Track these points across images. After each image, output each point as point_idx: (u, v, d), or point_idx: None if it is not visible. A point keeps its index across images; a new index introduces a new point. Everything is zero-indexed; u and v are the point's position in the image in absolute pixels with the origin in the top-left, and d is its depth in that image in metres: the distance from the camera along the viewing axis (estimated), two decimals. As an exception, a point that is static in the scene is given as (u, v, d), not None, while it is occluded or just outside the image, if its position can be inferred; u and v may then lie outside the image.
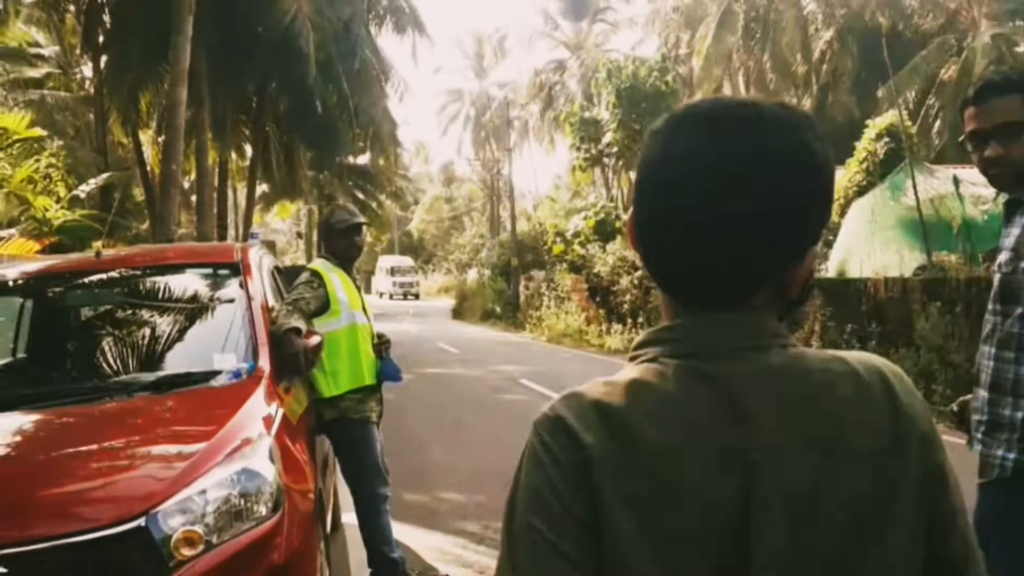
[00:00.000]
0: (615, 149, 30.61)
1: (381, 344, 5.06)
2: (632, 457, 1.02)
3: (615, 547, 1.01)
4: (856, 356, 1.13)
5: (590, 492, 1.02)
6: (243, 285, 4.67)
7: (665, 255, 1.11)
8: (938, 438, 1.11)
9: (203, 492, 3.17)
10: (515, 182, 53.45)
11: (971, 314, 11.14)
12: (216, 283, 5.00)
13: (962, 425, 2.86)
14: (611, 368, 9.31)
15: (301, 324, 4.38)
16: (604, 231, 26.69)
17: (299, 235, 52.01)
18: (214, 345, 4.31)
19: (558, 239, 28.78)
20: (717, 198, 1.04)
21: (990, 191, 13.18)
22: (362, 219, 5.22)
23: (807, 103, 36.06)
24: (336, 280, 4.83)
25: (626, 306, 21.47)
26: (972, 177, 15.32)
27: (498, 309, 36.15)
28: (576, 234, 27.83)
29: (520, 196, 56.26)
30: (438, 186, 64.22)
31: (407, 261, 59.25)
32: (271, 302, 4.81)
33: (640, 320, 20.83)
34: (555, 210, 40.24)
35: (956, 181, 13.12)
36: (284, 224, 59.33)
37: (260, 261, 5.14)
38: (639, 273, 21.22)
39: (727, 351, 1.07)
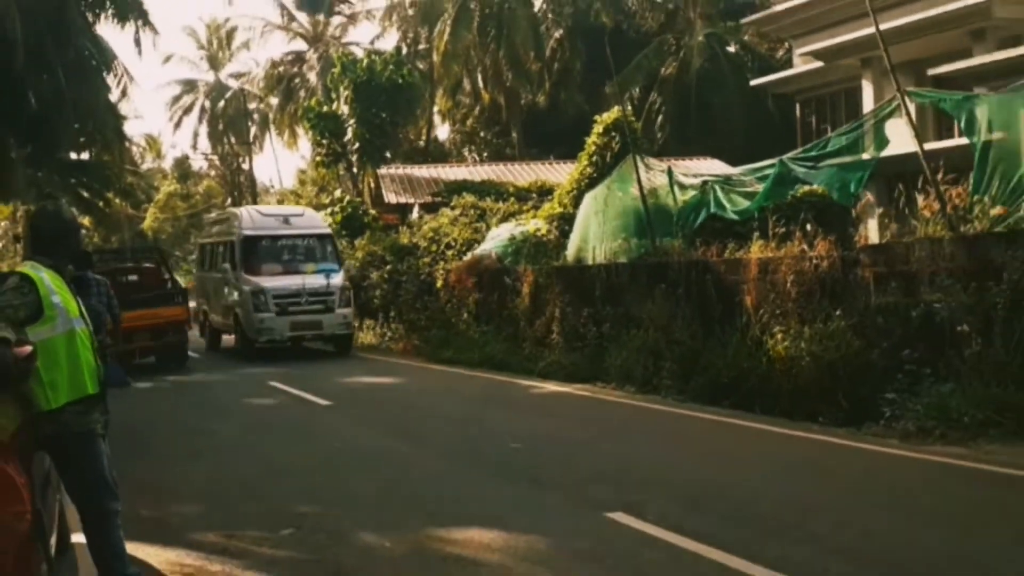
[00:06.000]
0: (356, 145, 30.44)
1: (103, 348, 4.97)
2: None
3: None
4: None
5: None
6: None
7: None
8: None
9: None
10: (257, 177, 51.92)
11: (692, 295, 12.07)
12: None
13: None
14: (364, 365, 9.50)
15: (9, 334, 4.17)
16: (352, 226, 26.48)
17: (16, 239, 47.49)
18: None
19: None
20: None
21: (696, 181, 14.31)
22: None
23: (541, 99, 37.60)
24: (49, 284, 4.56)
25: (377, 300, 21.43)
26: (682, 168, 16.66)
27: (245, 310, 34.86)
28: (323, 230, 27.37)
29: (263, 192, 54.62)
30: (173, 182, 60.71)
31: (306, 219, 21.43)
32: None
33: (392, 314, 20.84)
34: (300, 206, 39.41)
35: (670, 173, 14.17)
36: (-1, 228, 53.94)
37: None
38: (389, 267, 21.21)
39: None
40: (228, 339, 20.75)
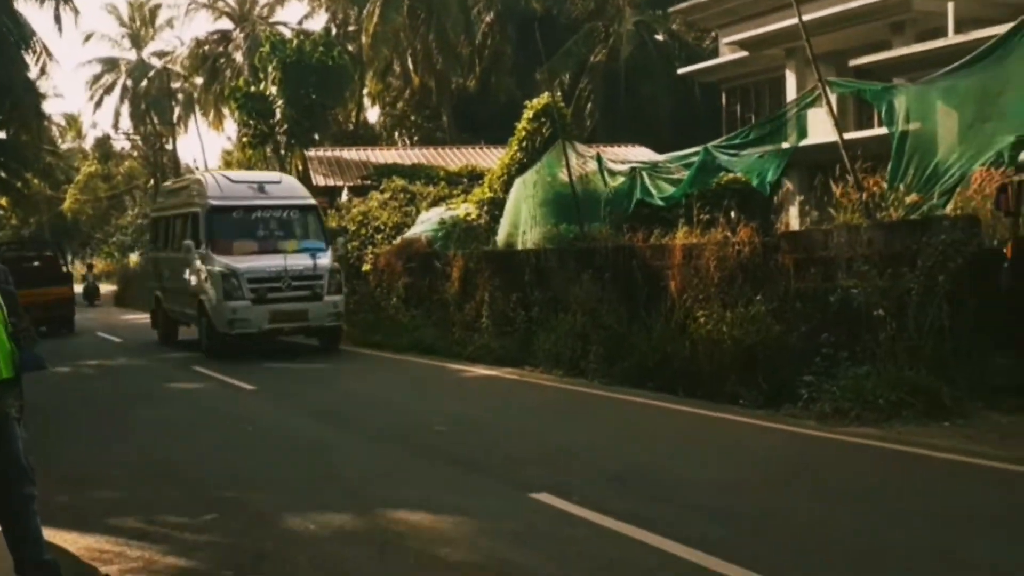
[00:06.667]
0: (284, 126, 29.98)
1: (18, 331, 4.75)
2: None
3: None
4: None
5: None
6: None
7: None
8: None
9: None
10: (181, 158, 50.72)
11: (618, 279, 12.20)
12: None
13: None
14: (290, 349, 9.46)
15: None
16: (278, 209, 26.09)
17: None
18: None
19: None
20: None
21: (624, 167, 14.48)
22: None
23: (472, 84, 37.46)
24: None
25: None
26: (610, 154, 16.83)
27: (167, 293, 34.11)
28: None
29: (187, 173, 53.37)
30: (94, 163, 58.91)
31: (284, 186, 17.63)
32: None
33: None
34: (226, 188, 38.64)
35: (600, 159, 14.29)
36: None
37: None
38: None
39: None
40: (188, 331, 17.76)
